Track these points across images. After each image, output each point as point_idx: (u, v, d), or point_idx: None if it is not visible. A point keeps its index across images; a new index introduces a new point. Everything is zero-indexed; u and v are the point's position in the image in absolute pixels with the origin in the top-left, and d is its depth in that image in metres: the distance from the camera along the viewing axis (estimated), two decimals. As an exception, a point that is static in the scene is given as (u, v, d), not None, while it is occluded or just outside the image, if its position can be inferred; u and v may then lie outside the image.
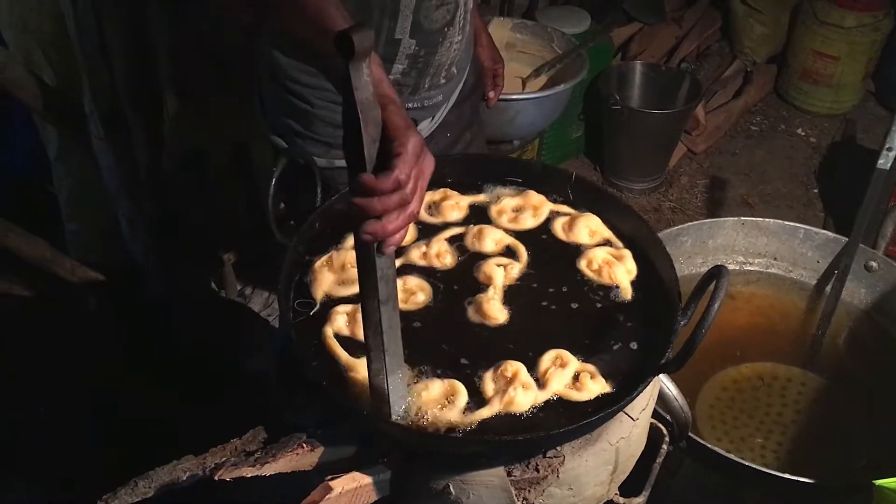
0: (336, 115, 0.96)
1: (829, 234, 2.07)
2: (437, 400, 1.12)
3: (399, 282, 1.22)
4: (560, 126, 3.22)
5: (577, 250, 1.36)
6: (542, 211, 1.41)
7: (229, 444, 1.12)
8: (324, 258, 1.29)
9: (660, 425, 1.38)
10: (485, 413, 1.11)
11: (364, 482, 1.09)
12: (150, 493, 1.05)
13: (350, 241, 1.31)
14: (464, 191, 1.45)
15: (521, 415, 1.12)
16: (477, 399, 1.13)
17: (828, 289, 2.04)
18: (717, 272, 1.11)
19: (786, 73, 3.97)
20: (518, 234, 1.38)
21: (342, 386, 1.14)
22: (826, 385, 1.95)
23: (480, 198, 1.45)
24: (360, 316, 1.14)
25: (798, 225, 2.10)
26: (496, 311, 1.24)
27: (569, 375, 1.15)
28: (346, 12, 1.26)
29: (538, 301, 1.28)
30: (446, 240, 1.36)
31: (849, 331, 2.05)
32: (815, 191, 3.51)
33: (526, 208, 1.42)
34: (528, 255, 1.35)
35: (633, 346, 1.21)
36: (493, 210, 1.42)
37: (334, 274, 1.27)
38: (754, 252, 2.12)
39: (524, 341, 1.21)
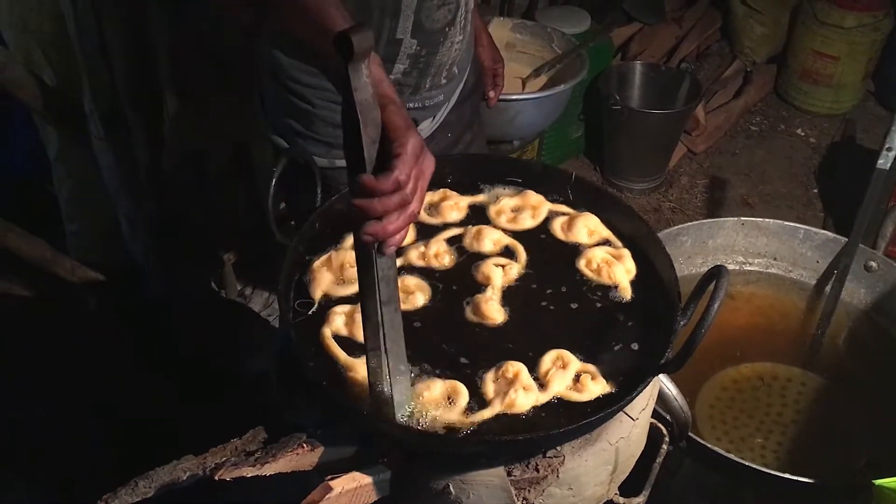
0: (337, 116, 0.96)
1: (829, 234, 2.07)
2: (438, 400, 1.12)
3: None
4: (560, 126, 3.22)
5: (576, 250, 1.36)
6: (540, 211, 1.41)
7: (229, 444, 1.12)
8: (323, 258, 1.29)
9: (660, 425, 1.38)
10: (485, 414, 1.11)
11: (364, 482, 1.09)
12: (151, 493, 1.05)
13: (349, 240, 1.31)
14: (463, 191, 1.45)
15: (522, 415, 1.11)
16: (478, 400, 1.13)
17: (827, 289, 2.04)
18: (716, 272, 1.11)
19: (786, 73, 3.97)
20: (517, 235, 1.38)
21: (342, 386, 1.14)
22: (826, 385, 1.94)
23: (480, 198, 1.45)
24: (358, 316, 1.14)
25: (798, 225, 2.10)
26: (494, 311, 1.24)
27: (570, 376, 1.15)
28: (346, 12, 1.25)
29: (537, 301, 1.28)
30: (445, 240, 1.36)
31: (848, 331, 2.04)
32: (815, 191, 3.51)
33: (524, 208, 1.41)
34: (527, 255, 1.35)
35: (634, 346, 1.21)
36: (492, 210, 1.42)
37: (332, 274, 1.27)
38: (754, 252, 2.12)
39: (523, 341, 1.21)
